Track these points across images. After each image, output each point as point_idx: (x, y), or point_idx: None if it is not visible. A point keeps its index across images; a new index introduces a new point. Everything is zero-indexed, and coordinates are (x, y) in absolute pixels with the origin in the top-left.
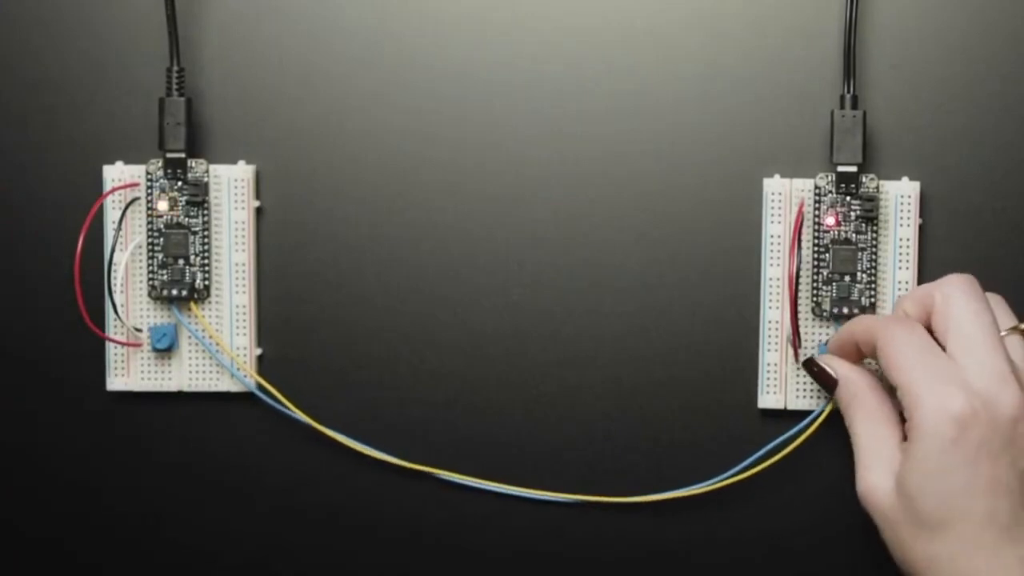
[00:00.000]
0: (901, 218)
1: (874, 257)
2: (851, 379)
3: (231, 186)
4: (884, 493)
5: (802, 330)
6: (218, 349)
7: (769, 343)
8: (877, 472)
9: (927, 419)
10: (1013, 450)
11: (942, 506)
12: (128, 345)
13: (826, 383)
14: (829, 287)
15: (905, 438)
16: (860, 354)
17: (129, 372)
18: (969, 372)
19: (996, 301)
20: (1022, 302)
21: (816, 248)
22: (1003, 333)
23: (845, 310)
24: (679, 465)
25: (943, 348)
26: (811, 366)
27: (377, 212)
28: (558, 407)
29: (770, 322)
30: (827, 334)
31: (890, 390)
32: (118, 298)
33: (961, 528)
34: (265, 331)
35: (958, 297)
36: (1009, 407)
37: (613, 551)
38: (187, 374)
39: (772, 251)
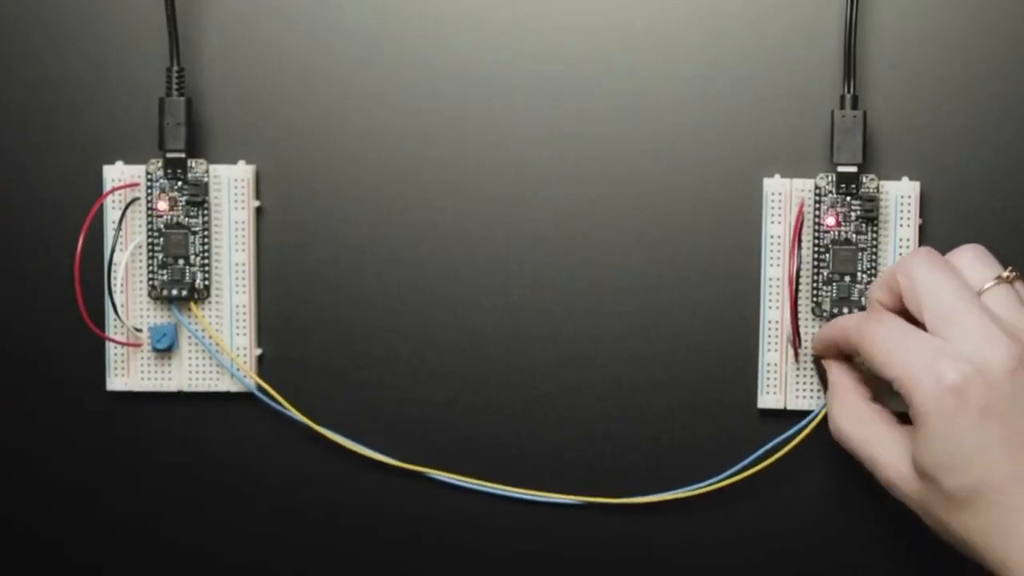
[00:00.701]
0: (901, 218)
1: (874, 257)
2: (832, 382)
3: (231, 186)
4: (906, 482)
5: (802, 330)
6: (218, 349)
7: (769, 343)
8: (891, 464)
9: (925, 399)
10: (1021, 402)
11: (964, 478)
12: (128, 345)
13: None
14: (829, 287)
15: (905, 422)
16: (844, 355)
17: (129, 372)
18: (953, 340)
19: (974, 255)
20: None
21: (816, 248)
22: (988, 285)
23: (845, 310)
24: (679, 465)
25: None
26: (817, 364)
27: (377, 212)
28: (558, 407)
29: (770, 322)
30: None
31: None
32: (118, 298)
33: (988, 494)
34: (265, 331)
35: (920, 271)
36: (1001, 363)
37: (613, 551)
38: (187, 374)
39: (772, 251)
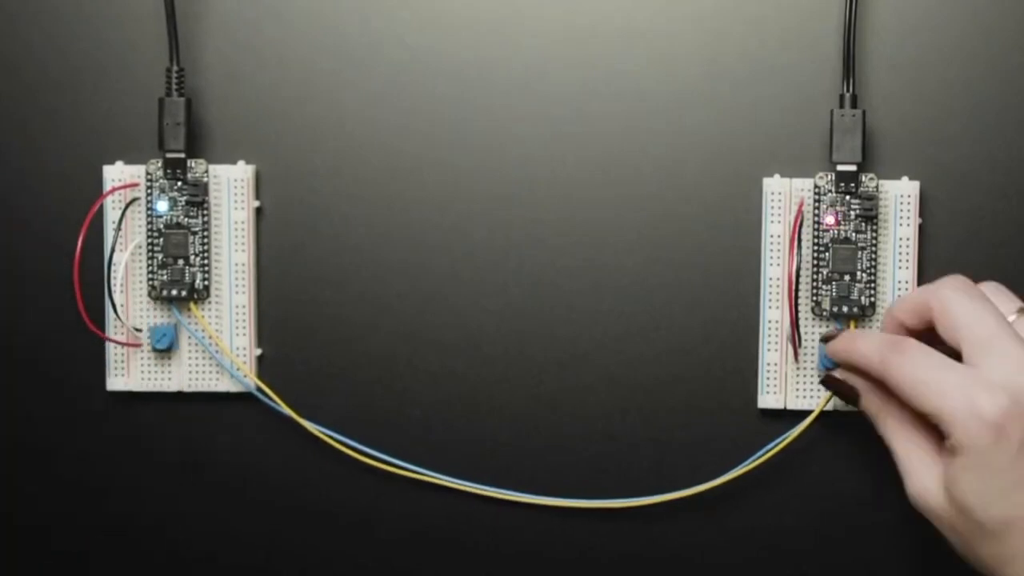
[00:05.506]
0: (901, 217)
1: (874, 256)
2: (873, 389)
3: (231, 186)
4: (936, 499)
5: (802, 330)
6: (218, 350)
7: (769, 343)
8: (924, 477)
9: (964, 433)
10: None
11: (999, 511)
12: (128, 345)
13: (848, 396)
14: (829, 286)
15: (941, 437)
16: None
17: (129, 372)
18: (990, 372)
19: (994, 288)
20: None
21: (816, 247)
22: (1011, 318)
23: (845, 309)
24: (679, 465)
25: (956, 354)
26: (829, 382)
27: (377, 212)
28: (558, 407)
29: (770, 322)
30: None
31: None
32: (118, 298)
33: (1021, 526)
34: (265, 331)
35: (955, 300)
36: None
37: (613, 551)
38: (187, 374)
39: (772, 251)
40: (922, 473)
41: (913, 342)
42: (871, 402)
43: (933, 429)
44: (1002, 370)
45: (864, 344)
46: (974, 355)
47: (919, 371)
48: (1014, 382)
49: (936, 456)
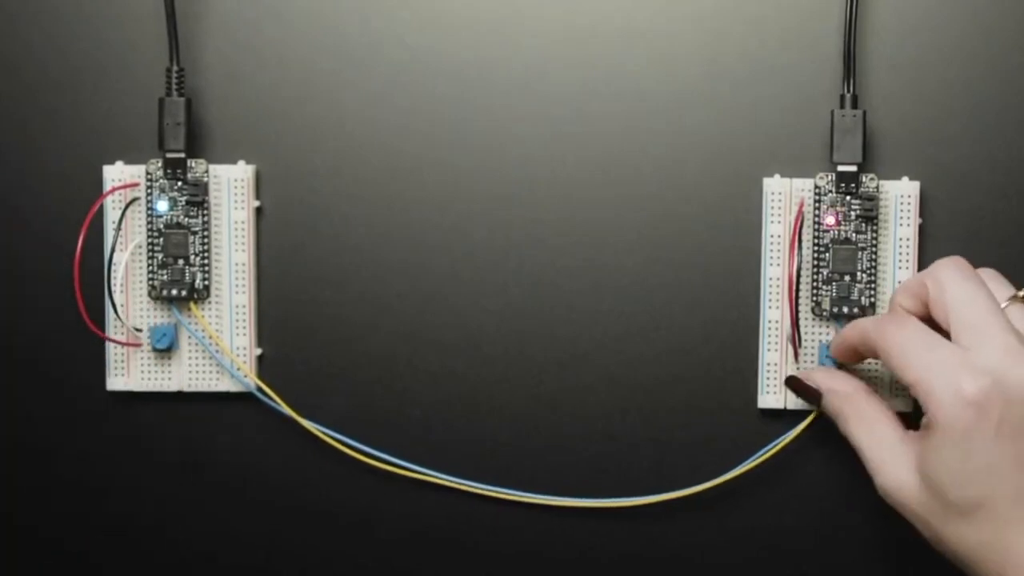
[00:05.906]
0: (901, 218)
1: (874, 257)
2: (833, 389)
3: (231, 186)
4: (908, 489)
5: (802, 330)
6: (218, 349)
7: (769, 343)
8: (893, 469)
9: (942, 409)
10: None
11: (970, 490)
12: (128, 345)
13: (810, 396)
14: (829, 287)
15: (909, 427)
16: (862, 356)
17: (129, 372)
18: (976, 353)
19: (990, 275)
20: None
21: (816, 248)
22: (1003, 305)
23: (845, 310)
24: (679, 465)
25: (947, 334)
26: (793, 383)
27: (377, 212)
28: (558, 407)
29: (770, 322)
30: (827, 334)
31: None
32: (118, 298)
33: (991, 509)
34: (265, 331)
35: (951, 281)
36: (1022, 380)
37: (613, 551)
38: (187, 374)
39: (772, 251)
40: (891, 463)
41: (912, 318)
42: (831, 402)
43: (897, 421)
44: (989, 355)
45: (865, 319)
46: (962, 336)
47: (910, 342)
48: (998, 367)
49: (904, 444)
